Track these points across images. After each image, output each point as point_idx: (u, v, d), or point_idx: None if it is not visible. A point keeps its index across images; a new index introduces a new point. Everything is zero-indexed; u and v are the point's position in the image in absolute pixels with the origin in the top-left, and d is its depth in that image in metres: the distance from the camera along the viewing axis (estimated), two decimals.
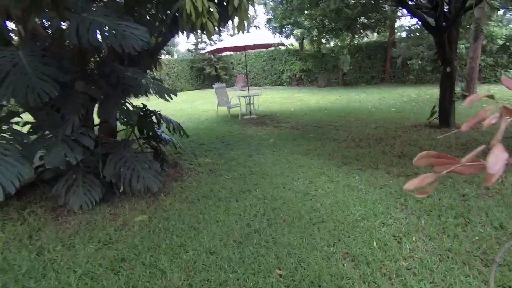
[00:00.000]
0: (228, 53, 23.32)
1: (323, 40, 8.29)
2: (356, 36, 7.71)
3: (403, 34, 19.85)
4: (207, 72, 21.63)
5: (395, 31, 17.30)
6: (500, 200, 2.90)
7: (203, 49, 21.58)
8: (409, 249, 2.29)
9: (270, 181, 3.85)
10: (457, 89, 10.18)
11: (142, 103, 4.19)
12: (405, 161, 4.28)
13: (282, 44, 9.62)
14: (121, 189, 3.40)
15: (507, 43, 5.08)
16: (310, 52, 17.35)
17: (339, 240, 2.46)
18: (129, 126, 4.28)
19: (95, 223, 2.97)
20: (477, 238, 2.34)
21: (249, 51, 22.89)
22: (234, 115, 9.17)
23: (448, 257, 2.16)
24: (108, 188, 3.45)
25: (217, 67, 21.77)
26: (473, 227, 2.50)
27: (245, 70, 9.43)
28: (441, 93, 6.02)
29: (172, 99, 3.45)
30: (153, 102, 6.04)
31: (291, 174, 4.04)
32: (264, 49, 21.83)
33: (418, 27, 10.95)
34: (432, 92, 12.12)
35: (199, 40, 23.48)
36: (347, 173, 3.95)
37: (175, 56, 32.19)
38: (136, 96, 3.44)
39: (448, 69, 5.77)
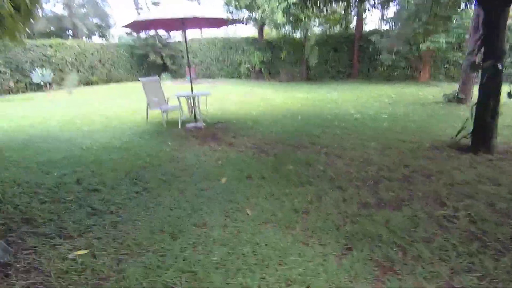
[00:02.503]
0: (177, 39, 19.96)
1: (302, 16, 5.79)
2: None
3: (370, 27, 18.45)
4: (151, 60, 18.14)
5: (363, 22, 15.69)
6: None
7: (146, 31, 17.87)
8: None
9: None
10: (448, 91, 8.55)
11: None
12: (502, 259, 2.06)
13: (240, 22, 6.99)
14: None
15: None
16: (278, 38, 14.90)
17: None
18: None
19: None
20: None
21: (202, 38, 19.85)
22: (173, 121, 6.42)
23: None
24: None
25: (163, 54, 18.36)
26: None
27: (188, 57, 6.72)
28: (482, 100, 3.98)
29: None
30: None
31: None
32: (219, 36, 18.96)
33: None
34: (411, 92, 10.51)
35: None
36: None
37: (116, 40, 27.54)
38: None
39: (499, 66, 3.72)
